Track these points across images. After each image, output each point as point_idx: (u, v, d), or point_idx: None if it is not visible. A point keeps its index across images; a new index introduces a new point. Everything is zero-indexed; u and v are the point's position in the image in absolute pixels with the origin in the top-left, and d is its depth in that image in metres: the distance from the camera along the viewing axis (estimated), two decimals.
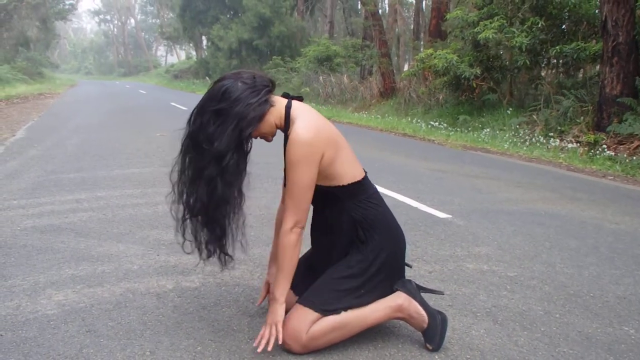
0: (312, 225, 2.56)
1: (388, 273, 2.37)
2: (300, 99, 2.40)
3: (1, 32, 32.90)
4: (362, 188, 2.37)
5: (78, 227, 4.05)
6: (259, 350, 2.20)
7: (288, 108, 2.30)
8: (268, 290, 2.64)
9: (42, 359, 2.20)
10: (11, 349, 2.27)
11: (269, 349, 2.20)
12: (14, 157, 6.99)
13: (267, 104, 2.26)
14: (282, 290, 2.26)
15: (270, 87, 2.31)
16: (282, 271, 2.26)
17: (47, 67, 42.25)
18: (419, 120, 13.54)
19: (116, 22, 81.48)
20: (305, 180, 2.20)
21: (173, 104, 19.17)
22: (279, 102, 2.32)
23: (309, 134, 2.19)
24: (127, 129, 10.66)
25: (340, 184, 2.31)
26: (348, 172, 2.32)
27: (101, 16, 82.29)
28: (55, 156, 7.13)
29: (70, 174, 5.94)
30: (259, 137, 2.34)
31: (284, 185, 2.30)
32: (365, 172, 2.44)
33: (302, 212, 2.24)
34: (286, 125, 2.28)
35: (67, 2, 48.11)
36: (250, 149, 2.33)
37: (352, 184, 2.33)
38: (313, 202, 2.42)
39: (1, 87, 21.25)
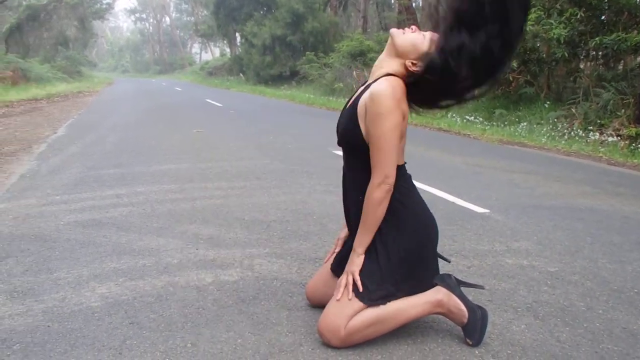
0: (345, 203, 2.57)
1: (419, 258, 2.36)
2: None
3: (42, 32, 33.67)
4: (402, 172, 2.35)
5: (119, 221, 4.12)
6: (337, 298, 2.27)
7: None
8: (338, 244, 2.66)
9: (87, 350, 2.25)
10: (58, 339, 2.33)
11: (349, 297, 2.25)
12: (55, 153, 7.15)
13: None
14: (361, 243, 2.30)
15: None
16: (366, 224, 2.28)
17: (86, 66, 43.08)
18: (454, 115, 13.38)
19: (152, 20, 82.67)
20: (394, 132, 2.20)
21: (208, 100, 19.36)
22: None
23: (390, 89, 2.20)
24: (164, 126, 10.80)
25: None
26: (399, 155, 2.33)
27: (137, 15, 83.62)
28: (95, 153, 7.27)
29: (109, 170, 6.05)
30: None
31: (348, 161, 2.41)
32: (405, 162, 2.44)
33: (391, 166, 2.22)
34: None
35: (104, 2, 48.85)
36: None
37: (399, 166, 2.32)
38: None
39: (42, 86, 21.78)
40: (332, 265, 2.59)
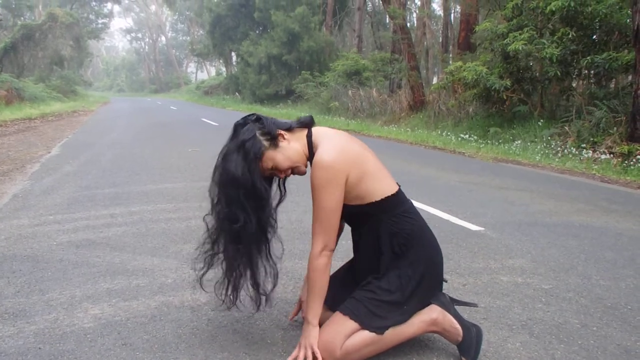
0: (353, 245, 2.56)
1: (427, 287, 2.35)
2: (309, 118, 2.44)
3: (36, 52, 33.75)
4: (397, 202, 2.36)
5: (113, 241, 4.11)
6: None
7: (309, 136, 2.35)
8: (300, 307, 2.66)
9: None
10: None
11: None
12: (49, 173, 7.13)
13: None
14: (314, 313, 2.26)
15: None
16: (313, 294, 2.26)
17: (81, 85, 43.10)
18: (449, 133, 13.47)
19: (147, 39, 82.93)
20: (331, 204, 2.21)
21: (204, 119, 19.38)
22: (297, 135, 2.37)
23: (332, 157, 2.20)
24: (159, 145, 10.80)
25: (373, 200, 2.30)
26: (378, 188, 2.31)
27: (133, 34, 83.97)
28: (90, 172, 7.25)
29: (104, 189, 6.04)
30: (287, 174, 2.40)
31: None
32: (399, 186, 2.43)
33: (330, 235, 2.24)
34: (310, 153, 2.33)
35: (99, 22, 49.29)
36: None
37: (385, 198, 2.31)
38: (350, 223, 2.44)
39: (36, 105, 21.77)
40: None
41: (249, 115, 2.38)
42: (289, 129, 2.37)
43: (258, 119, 2.34)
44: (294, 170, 2.38)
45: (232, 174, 2.22)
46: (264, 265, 2.41)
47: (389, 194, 2.33)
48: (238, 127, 2.33)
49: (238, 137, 2.29)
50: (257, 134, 2.28)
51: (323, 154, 2.22)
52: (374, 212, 2.32)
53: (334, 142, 2.28)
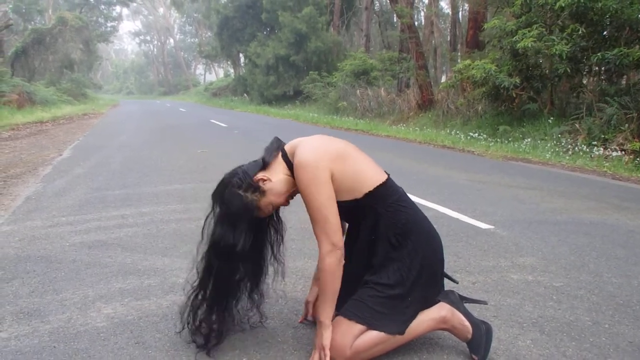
0: (345, 241, 2.52)
1: (429, 275, 2.34)
2: (275, 142, 2.46)
3: (47, 56, 33.98)
4: (388, 191, 2.35)
5: (124, 242, 4.14)
6: None
7: (284, 155, 2.37)
8: (308, 309, 2.68)
9: None
10: None
11: None
12: (61, 175, 7.18)
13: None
14: (328, 314, 2.25)
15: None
16: (326, 295, 2.25)
17: (91, 88, 43.27)
18: (457, 132, 13.44)
19: (156, 42, 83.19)
20: (323, 202, 2.20)
21: (213, 121, 19.43)
22: (275, 164, 2.38)
23: (309, 155, 2.22)
24: (169, 147, 10.84)
25: (366, 192, 2.30)
26: (368, 178, 2.31)
27: (141, 37, 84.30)
28: (100, 174, 7.30)
29: (115, 191, 6.08)
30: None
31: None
32: (388, 175, 2.42)
33: (334, 233, 2.21)
34: (290, 167, 2.33)
35: (108, 25, 49.53)
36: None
37: (377, 188, 2.31)
38: (348, 220, 2.44)
39: (47, 109, 21.90)
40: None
41: (224, 180, 2.37)
42: (265, 166, 2.37)
43: (231, 179, 2.33)
44: (293, 195, 2.41)
45: (226, 240, 2.29)
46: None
47: (379, 183, 2.32)
48: (217, 196, 2.37)
49: (227, 205, 2.30)
50: (241, 193, 2.29)
51: (300, 155, 2.24)
52: (370, 203, 2.31)
53: (309, 144, 2.30)
